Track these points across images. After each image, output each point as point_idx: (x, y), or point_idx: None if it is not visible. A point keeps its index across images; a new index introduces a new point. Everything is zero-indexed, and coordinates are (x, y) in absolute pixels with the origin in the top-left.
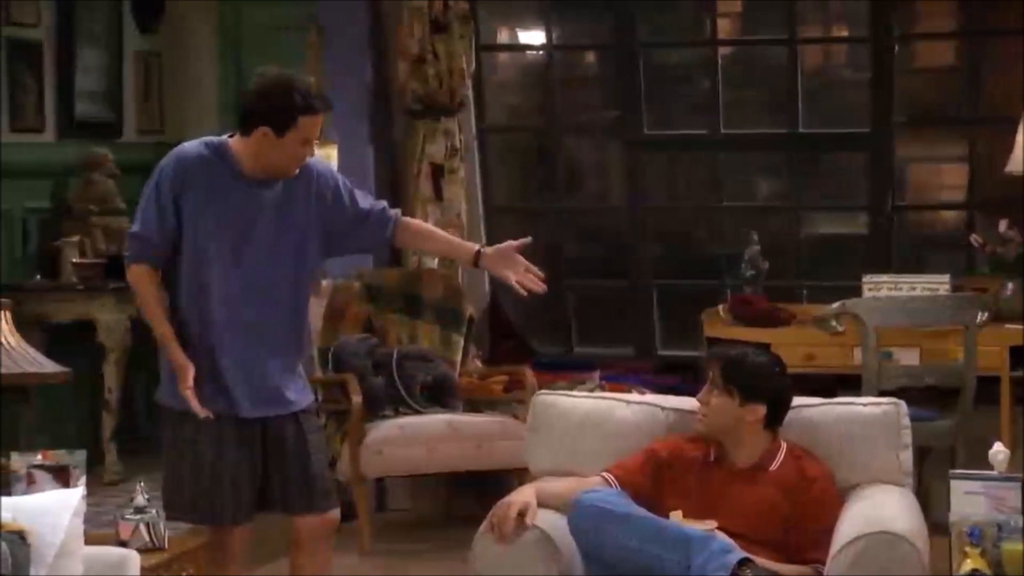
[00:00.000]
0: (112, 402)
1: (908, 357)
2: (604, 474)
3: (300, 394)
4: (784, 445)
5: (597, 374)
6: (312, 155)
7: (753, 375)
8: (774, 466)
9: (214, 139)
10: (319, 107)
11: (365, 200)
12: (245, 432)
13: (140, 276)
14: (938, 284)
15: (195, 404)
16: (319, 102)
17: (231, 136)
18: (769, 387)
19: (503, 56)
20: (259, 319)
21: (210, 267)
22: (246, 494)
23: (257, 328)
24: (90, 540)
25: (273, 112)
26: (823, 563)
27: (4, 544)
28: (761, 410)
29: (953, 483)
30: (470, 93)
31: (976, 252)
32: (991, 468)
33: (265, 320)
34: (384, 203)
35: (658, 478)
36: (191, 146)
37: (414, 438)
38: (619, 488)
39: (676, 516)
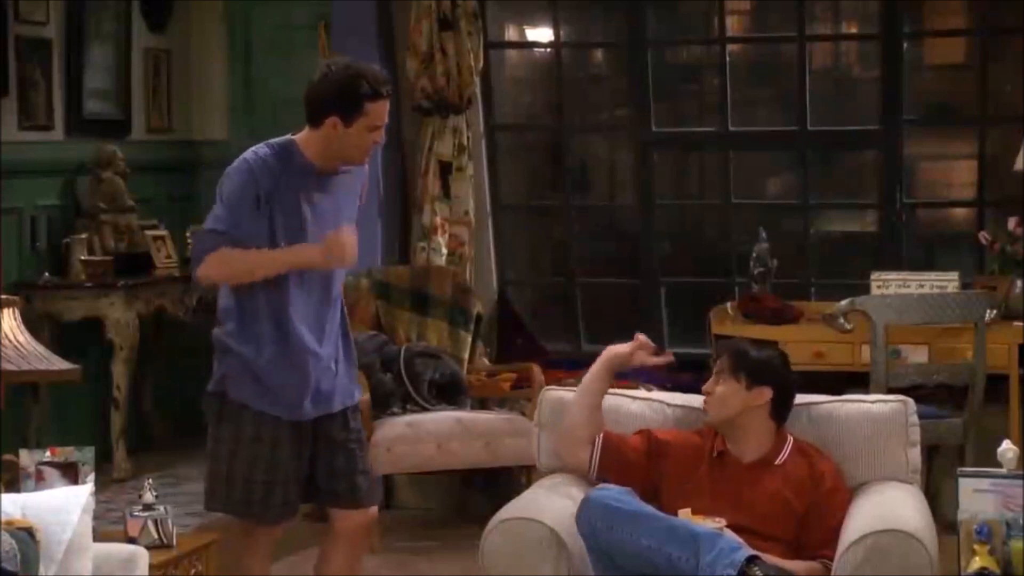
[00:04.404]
0: (121, 399)
1: (917, 355)
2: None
3: (353, 390)
4: (790, 439)
5: None
6: (381, 143)
7: (759, 360)
8: (780, 459)
9: (276, 140)
10: (386, 92)
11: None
12: (298, 430)
13: (222, 253)
14: (947, 282)
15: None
16: (385, 88)
17: (294, 134)
18: (775, 371)
19: (512, 54)
20: (328, 317)
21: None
22: (294, 493)
23: (328, 328)
24: (99, 537)
25: (340, 100)
26: (831, 559)
27: (13, 541)
28: (768, 393)
29: (962, 481)
30: (478, 91)
31: (985, 250)
32: (1000, 466)
33: (332, 318)
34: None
35: (654, 456)
36: (256, 150)
37: (423, 435)
38: (604, 445)
39: (685, 514)
